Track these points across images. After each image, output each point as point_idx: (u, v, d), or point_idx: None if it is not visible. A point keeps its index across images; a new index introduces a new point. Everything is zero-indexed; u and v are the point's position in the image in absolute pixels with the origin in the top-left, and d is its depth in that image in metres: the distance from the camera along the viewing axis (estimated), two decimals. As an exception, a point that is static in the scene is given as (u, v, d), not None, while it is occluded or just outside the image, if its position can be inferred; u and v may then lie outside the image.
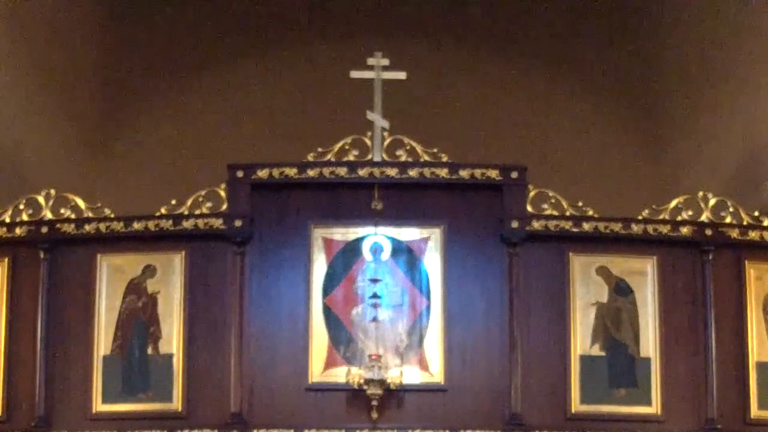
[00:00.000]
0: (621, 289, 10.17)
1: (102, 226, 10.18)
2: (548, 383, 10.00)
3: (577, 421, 9.95)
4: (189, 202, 10.15)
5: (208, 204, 10.15)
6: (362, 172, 10.21)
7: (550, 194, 10.22)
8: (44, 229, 10.19)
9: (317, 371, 9.98)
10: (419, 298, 10.08)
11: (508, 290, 10.07)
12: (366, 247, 10.13)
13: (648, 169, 15.30)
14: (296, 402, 9.95)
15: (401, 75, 10.60)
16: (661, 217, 10.28)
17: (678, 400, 10.06)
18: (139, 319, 10.06)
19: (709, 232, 10.26)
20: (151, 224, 10.14)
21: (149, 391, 9.97)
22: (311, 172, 10.20)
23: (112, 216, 10.20)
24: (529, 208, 10.17)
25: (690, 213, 10.32)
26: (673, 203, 10.34)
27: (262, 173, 10.19)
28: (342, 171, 10.21)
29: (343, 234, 10.16)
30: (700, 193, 10.44)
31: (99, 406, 9.99)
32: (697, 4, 14.04)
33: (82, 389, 10.02)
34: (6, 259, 10.22)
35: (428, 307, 10.07)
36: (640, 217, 10.24)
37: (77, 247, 10.22)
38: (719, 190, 10.74)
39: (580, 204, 10.24)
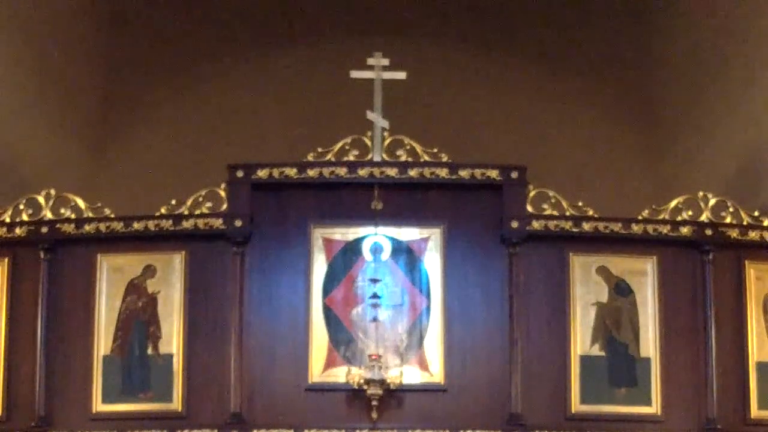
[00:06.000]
0: (621, 289, 10.17)
1: (102, 226, 10.18)
2: (548, 383, 10.00)
3: (577, 421, 9.95)
4: (189, 202, 10.15)
5: (208, 204, 10.15)
6: (362, 172, 10.21)
7: (550, 194, 10.22)
8: (44, 229, 10.20)
9: (317, 371, 9.98)
10: (419, 298, 10.08)
11: (508, 290, 10.07)
12: (366, 247, 10.13)
13: (648, 169, 15.28)
14: (296, 402, 9.95)
15: (401, 75, 10.62)
16: (661, 217, 10.28)
17: (678, 400, 10.06)
18: (139, 319, 10.06)
19: (709, 232, 10.26)
20: (151, 224, 10.14)
21: (149, 391, 9.97)
22: (311, 172, 10.20)
23: (112, 216, 10.21)
24: (529, 208, 10.17)
25: (690, 213, 10.32)
26: (673, 203, 10.35)
27: (262, 173, 10.19)
28: (342, 171, 10.21)
29: (343, 234, 10.16)
30: (700, 193, 10.44)
31: (99, 406, 10.00)
32: (698, 4, 14.04)
33: (82, 389, 10.02)
34: (6, 259, 10.23)
35: (428, 307, 10.06)
36: (640, 217, 10.24)
37: (77, 247, 10.22)
38: (719, 190, 10.75)
39: (580, 204, 10.24)
